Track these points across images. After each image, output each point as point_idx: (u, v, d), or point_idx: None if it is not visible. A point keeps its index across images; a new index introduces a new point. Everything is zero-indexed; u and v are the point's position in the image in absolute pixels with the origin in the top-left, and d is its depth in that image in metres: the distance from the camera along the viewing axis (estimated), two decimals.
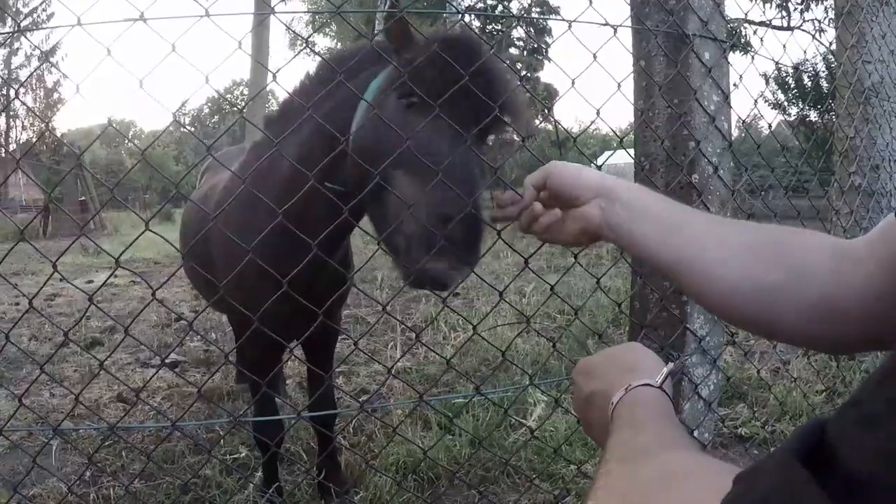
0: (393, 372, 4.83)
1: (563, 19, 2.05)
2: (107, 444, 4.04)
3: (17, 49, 48.55)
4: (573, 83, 2.05)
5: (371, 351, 5.59)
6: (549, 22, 33.97)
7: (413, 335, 5.89)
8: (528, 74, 37.77)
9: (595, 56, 2.05)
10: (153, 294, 1.91)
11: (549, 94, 30.26)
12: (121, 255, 1.82)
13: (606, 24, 2.12)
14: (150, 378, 3.38)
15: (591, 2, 2.08)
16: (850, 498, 0.42)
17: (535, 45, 37.47)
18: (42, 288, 2.18)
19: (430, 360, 5.35)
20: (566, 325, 6.10)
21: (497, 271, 9.28)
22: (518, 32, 38.38)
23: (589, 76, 2.14)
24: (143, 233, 1.81)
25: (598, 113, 2.14)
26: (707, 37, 2.43)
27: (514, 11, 38.73)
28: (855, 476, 0.43)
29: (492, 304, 7.01)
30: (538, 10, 38.24)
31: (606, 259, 9.91)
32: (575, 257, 2.50)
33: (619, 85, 2.24)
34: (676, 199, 2.46)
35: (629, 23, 2.46)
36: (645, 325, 2.69)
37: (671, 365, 1.17)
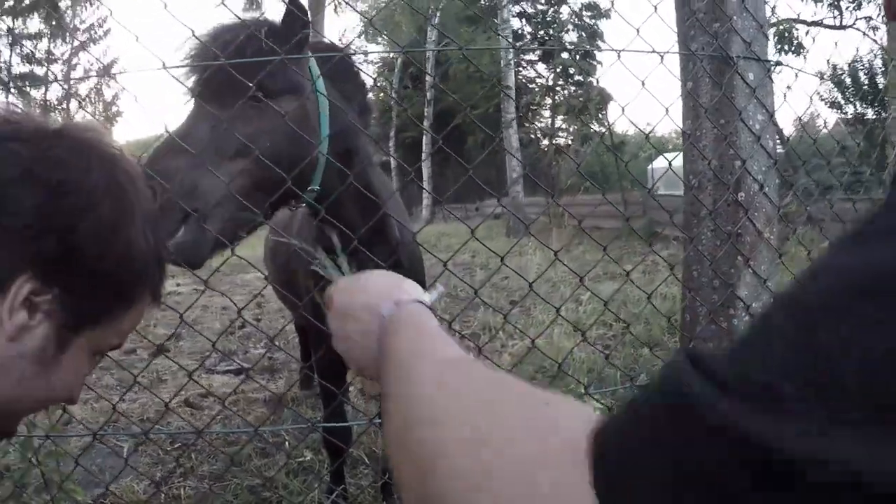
0: None
1: (612, 49, 2.16)
2: (176, 445, 4.21)
3: (76, 64, 49.73)
4: (623, 110, 2.17)
5: None
6: (598, 46, 33.77)
7: (471, 344, 5.98)
8: (582, 79, 37.69)
9: (643, 83, 2.15)
10: (239, 312, 2.08)
11: (603, 99, 30.04)
12: (209, 277, 1.98)
13: (654, 51, 2.23)
14: (238, 385, 3.51)
15: (637, 31, 2.18)
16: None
17: (587, 50, 37.38)
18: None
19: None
20: (622, 333, 6.13)
21: (553, 279, 9.19)
22: (570, 37, 38.25)
23: (639, 88, 2.23)
24: (227, 259, 1.96)
25: (646, 137, 2.26)
26: (751, 58, 2.52)
27: (565, 16, 38.69)
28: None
29: (549, 310, 7.04)
30: (589, 13, 38.13)
31: (662, 266, 9.75)
32: (627, 274, 2.59)
33: (666, 110, 2.34)
34: (724, 216, 2.59)
35: (675, 48, 2.55)
36: (694, 337, 2.77)
37: (440, 287, 1.24)
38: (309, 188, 2.25)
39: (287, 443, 4.30)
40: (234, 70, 1.96)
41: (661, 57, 2.25)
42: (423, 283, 2.98)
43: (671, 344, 5.55)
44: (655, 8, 2.27)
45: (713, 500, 0.44)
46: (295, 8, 2.15)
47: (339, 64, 2.36)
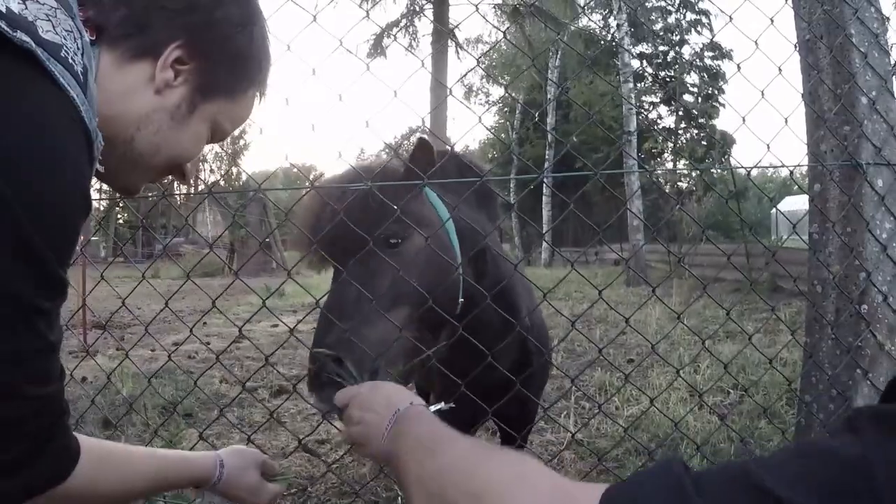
0: (565, 443, 4.91)
1: (742, 167, 2.17)
2: (292, 491, 4.31)
3: None
4: (750, 228, 2.17)
5: (543, 418, 5.55)
6: (721, 96, 33.31)
7: (587, 405, 5.91)
8: (704, 122, 37.12)
9: (772, 199, 2.16)
10: None
11: (726, 142, 29.48)
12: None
13: (783, 165, 2.23)
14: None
15: (768, 147, 2.19)
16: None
17: (710, 92, 36.77)
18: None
19: (602, 432, 5.31)
20: (739, 401, 5.94)
21: (672, 336, 8.85)
22: (692, 78, 37.79)
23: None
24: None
25: (773, 255, 2.26)
26: (881, 164, 2.49)
27: (686, 57, 38.26)
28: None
29: (666, 373, 6.86)
30: (710, 53, 37.61)
31: (784, 328, 9.30)
32: (749, 337, 2.56)
33: (793, 226, 2.34)
34: (845, 328, 2.55)
35: (801, 131, 2.54)
36: (807, 403, 2.73)
37: (442, 405, 1.64)
38: (459, 302, 2.30)
39: (400, 498, 4.36)
40: (354, 224, 2.07)
41: (791, 172, 2.25)
42: (546, 365, 3.05)
43: (789, 416, 5.32)
44: (786, 120, 2.29)
45: None
46: (423, 150, 2.30)
47: (449, 163, 2.43)
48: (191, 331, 2.62)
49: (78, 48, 1.13)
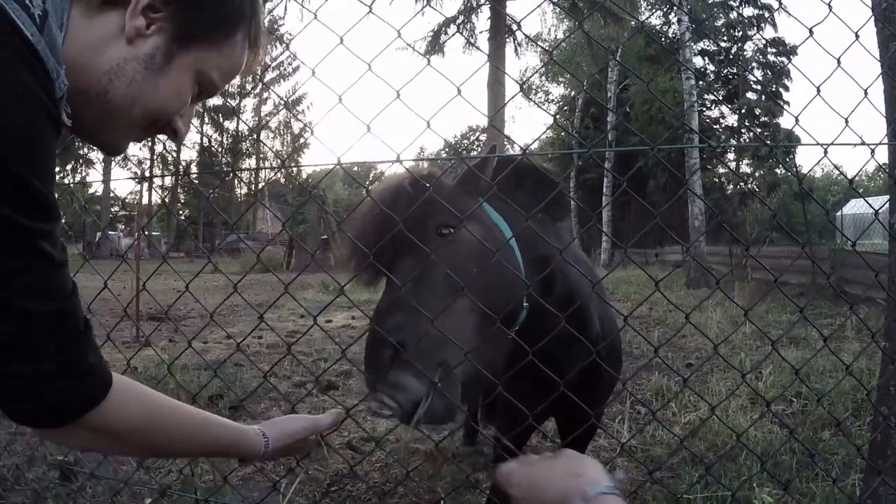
0: (617, 451, 4.72)
1: (818, 143, 1.97)
2: (333, 489, 4.20)
3: (267, 99, 53.52)
4: (827, 214, 1.97)
5: None
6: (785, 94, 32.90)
7: (643, 410, 5.70)
8: (768, 120, 36.71)
9: (851, 182, 1.95)
10: None
11: (791, 142, 29.06)
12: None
13: (862, 143, 2.02)
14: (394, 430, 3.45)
15: (846, 121, 1.99)
16: None
17: (774, 90, 36.32)
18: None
19: (658, 439, 5.05)
20: (801, 410, 5.68)
21: (733, 341, 8.48)
22: (755, 75, 37.40)
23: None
24: None
25: (853, 245, 2.05)
26: None
27: (749, 53, 37.94)
28: None
29: (726, 379, 6.64)
30: (773, 50, 37.20)
31: (850, 332, 8.95)
32: (824, 340, 2.36)
33: (876, 212, 2.12)
34: None
35: (882, 125, 2.33)
36: (884, 416, 2.55)
37: (619, 473, 1.33)
38: (524, 306, 2.16)
39: (443, 501, 4.21)
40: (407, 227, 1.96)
41: (872, 151, 2.04)
42: (618, 369, 2.96)
43: (855, 429, 5.02)
44: (865, 92, 2.08)
45: None
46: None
47: (510, 172, 2.28)
48: (247, 335, 2.54)
49: None
